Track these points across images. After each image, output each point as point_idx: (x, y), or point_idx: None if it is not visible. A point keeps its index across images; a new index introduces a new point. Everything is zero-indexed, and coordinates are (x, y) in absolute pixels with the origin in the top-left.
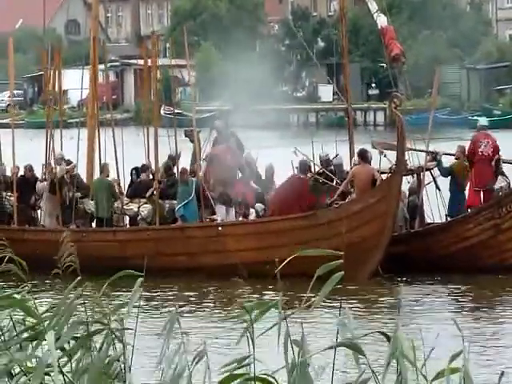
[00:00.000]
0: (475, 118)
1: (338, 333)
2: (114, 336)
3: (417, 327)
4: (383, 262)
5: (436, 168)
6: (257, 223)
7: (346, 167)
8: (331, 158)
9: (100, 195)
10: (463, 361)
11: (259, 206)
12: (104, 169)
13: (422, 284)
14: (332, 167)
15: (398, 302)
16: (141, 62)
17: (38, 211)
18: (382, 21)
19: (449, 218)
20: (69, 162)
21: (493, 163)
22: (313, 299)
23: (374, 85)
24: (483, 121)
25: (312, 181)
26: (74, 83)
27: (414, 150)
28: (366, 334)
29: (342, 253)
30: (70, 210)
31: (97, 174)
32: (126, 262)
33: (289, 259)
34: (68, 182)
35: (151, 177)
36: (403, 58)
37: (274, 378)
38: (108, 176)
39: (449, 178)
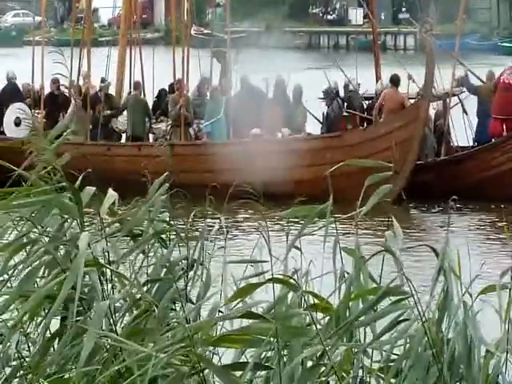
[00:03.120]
0: (504, 44)
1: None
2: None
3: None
4: (410, 189)
5: (464, 84)
6: (281, 142)
7: (371, 90)
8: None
9: (136, 113)
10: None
11: (286, 130)
12: (138, 86)
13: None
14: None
15: (449, 208)
16: None
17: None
18: None
19: (475, 144)
20: (103, 80)
21: None
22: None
23: (404, 8)
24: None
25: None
26: (105, 1)
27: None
28: (414, 246)
29: (391, 165)
30: (101, 127)
31: (125, 93)
32: (152, 176)
33: (333, 168)
34: (102, 100)
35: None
36: None
37: (295, 280)
38: (141, 94)
39: (476, 101)
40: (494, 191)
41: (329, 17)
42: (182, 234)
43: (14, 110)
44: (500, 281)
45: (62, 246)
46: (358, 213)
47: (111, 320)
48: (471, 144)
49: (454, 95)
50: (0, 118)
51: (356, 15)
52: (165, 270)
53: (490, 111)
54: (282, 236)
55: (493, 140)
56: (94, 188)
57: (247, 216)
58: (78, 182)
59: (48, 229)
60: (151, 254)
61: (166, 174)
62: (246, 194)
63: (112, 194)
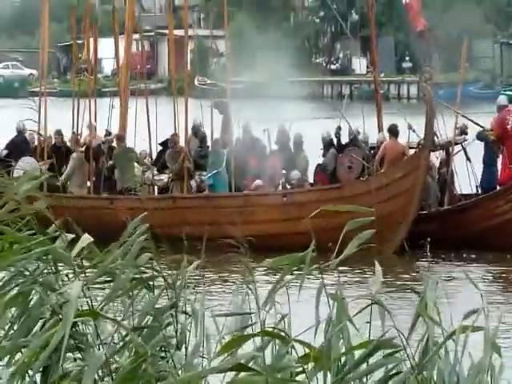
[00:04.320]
0: (508, 92)
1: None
2: (167, 284)
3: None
4: (414, 239)
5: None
6: (281, 194)
7: (373, 140)
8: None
9: (124, 165)
10: (485, 319)
11: (296, 173)
12: (122, 139)
13: (449, 261)
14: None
15: (425, 251)
16: (175, 32)
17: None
18: None
19: (480, 191)
20: (108, 133)
21: None
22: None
23: (407, 58)
24: (503, 100)
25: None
26: (108, 52)
27: (468, 118)
28: (395, 290)
29: (372, 209)
30: (104, 179)
31: (129, 144)
32: (153, 229)
33: (314, 212)
34: (105, 152)
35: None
36: (427, 34)
37: (284, 332)
38: (125, 146)
39: (481, 148)
40: (498, 240)
41: (332, 66)
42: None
43: (24, 163)
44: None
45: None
46: (336, 259)
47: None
48: (475, 192)
49: (456, 143)
50: (8, 169)
51: (359, 64)
52: (151, 317)
53: (496, 158)
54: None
55: (497, 188)
56: (88, 236)
57: (236, 269)
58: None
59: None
60: (138, 299)
61: (146, 223)
62: (236, 247)
63: (86, 238)
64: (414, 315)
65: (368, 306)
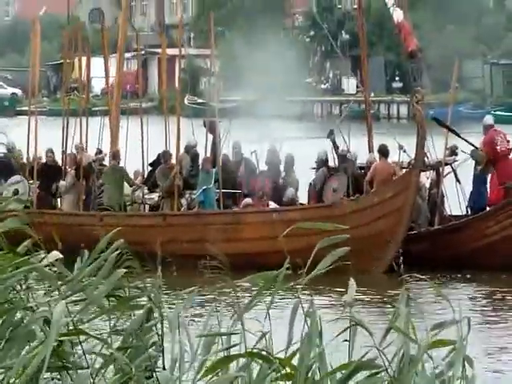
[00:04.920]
0: (498, 112)
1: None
2: (151, 303)
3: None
4: (404, 259)
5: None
6: (270, 212)
7: (363, 160)
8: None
9: (112, 183)
10: (458, 334)
11: (291, 191)
12: (116, 155)
13: (439, 280)
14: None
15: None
16: (166, 51)
17: (59, 199)
18: (397, 15)
19: (469, 212)
20: (100, 151)
21: (510, 156)
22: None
23: (397, 78)
24: (489, 120)
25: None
26: (97, 71)
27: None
28: (369, 301)
29: (346, 227)
30: (94, 197)
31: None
32: (143, 247)
33: (287, 230)
34: (96, 171)
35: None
36: (419, 54)
37: (268, 352)
38: (119, 163)
39: (471, 169)
40: (488, 260)
41: (322, 86)
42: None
43: (13, 182)
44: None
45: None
46: (306, 277)
47: None
48: (464, 213)
49: (446, 164)
50: None
51: (349, 84)
52: (136, 337)
53: (486, 178)
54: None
55: (487, 208)
56: (57, 253)
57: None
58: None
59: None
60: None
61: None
62: (218, 268)
63: (54, 254)
64: (386, 328)
65: (348, 327)
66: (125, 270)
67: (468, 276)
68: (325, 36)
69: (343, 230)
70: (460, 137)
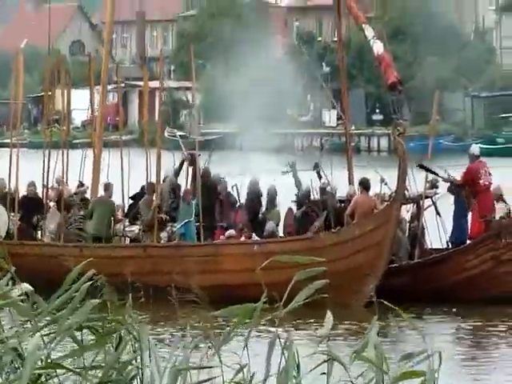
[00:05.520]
0: (479, 145)
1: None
2: (131, 336)
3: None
4: (384, 292)
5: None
6: (251, 244)
7: (343, 193)
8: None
9: (101, 216)
10: (427, 366)
11: (271, 224)
12: (108, 188)
13: (417, 313)
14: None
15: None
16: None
17: (40, 231)
18: (378, 47)
19: (450, 245)
20: (81, 184)
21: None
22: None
23: (378, 110)
24: (476, 150)
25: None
26: (79, 103)
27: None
28: (348, 334)
29: (323, 259)
30: (74, 229)
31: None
32: (124, 278)
33: (265, 263)
34: (77, 203)
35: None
36: (400, 86)
37: None
38: (111, 196)
39: (452, 202)
40: (468, 294)
41: (303, 118)
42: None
43: None
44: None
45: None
46: (283, 310)
47: None
48: (445, 246)
49: (427, 197)
50: None
51: (330, 117)
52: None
53: (467, 212)
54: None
55: (468, 242)
56: (27, 285)
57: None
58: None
59: None
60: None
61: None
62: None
63: (24, 287)
64: (351, 354)
65: (324, 361)
66: (98, 301)
67: (446, 309)
68: (306, 68)
69: (321, 262)
70: (445, 180)
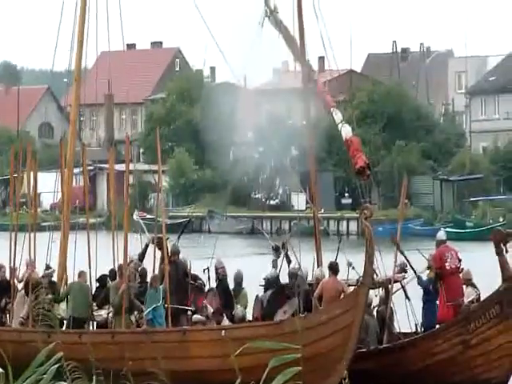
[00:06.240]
0: (447, 229)
1: None
2: None
3: None
4: (352, 377)
5: (416, 280)
6: (220, 329)
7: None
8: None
9: (79, 298)
10: None
11: (240, 309)
12: (81, 275)
13: None
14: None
15: None
16: (115, 166)
17: (8, 315)
18: (346, 132)
19: (419, 329)
20: (48, 267)
21: (461, 275)
22: None
23: (347, 194)
24: (442, 235)
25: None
26: (47, 186)
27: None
28: None
29: (298, 346)
30: (42, 313)
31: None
32: (90, 363)
33: (240, 349)
34: (45, 287)
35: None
36: (368, 171)
37: None
38: (86, 281)
39: (420, 287)
40: (437, 379)
41: (272, 202)
42: None
43: None
44: None
45: None
46: None
47: None
48: (414, 330)
49: (396, 281)
50: None
51: (298, 200)
52: None
53: (435, 297)
54: None
55: (437, 326)
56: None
57: None
58: None
59: None
60: None
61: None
62: None
63: None
64: None
65: None
66: None
67: None
68: (274, 151)
69: (294, 348)
70: (414, 272)
